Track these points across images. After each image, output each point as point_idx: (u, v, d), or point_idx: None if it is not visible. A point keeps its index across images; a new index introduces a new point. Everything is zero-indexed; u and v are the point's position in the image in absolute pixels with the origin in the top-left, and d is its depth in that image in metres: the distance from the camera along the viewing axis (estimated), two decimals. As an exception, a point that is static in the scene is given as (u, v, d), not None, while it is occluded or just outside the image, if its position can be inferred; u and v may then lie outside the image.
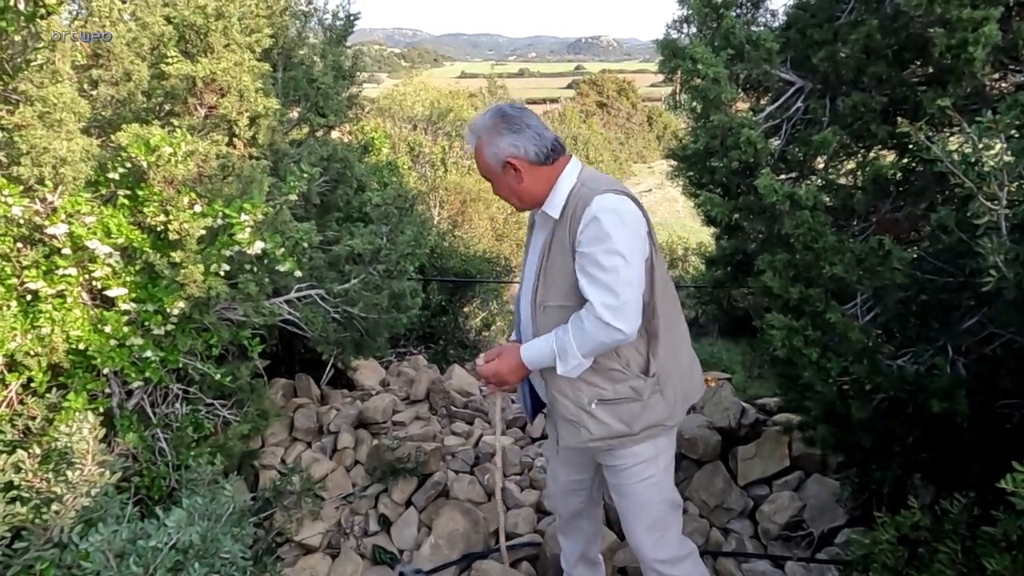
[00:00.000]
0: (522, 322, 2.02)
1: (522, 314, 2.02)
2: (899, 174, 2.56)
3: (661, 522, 2.04)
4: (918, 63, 2.50)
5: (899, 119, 1.86)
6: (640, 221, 1.80)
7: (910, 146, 2.56)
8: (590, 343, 1.74)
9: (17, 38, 2.61)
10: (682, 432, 3.39)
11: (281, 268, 2.59)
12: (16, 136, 2.35)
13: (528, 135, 1.82)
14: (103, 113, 2.86)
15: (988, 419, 2.08)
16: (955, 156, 1.75)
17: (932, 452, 2.24)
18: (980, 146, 1.61)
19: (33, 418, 2.38)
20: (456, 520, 2.91)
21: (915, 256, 2.28)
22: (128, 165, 2.52)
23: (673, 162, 3.26)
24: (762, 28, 2.90)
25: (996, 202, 1.64)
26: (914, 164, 2.62)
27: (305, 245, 2.75)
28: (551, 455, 2.17)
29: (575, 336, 1.75)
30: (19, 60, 2.63)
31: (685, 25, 2.93)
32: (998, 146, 1.63)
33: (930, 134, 2.15)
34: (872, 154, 2.73)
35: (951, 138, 2.43)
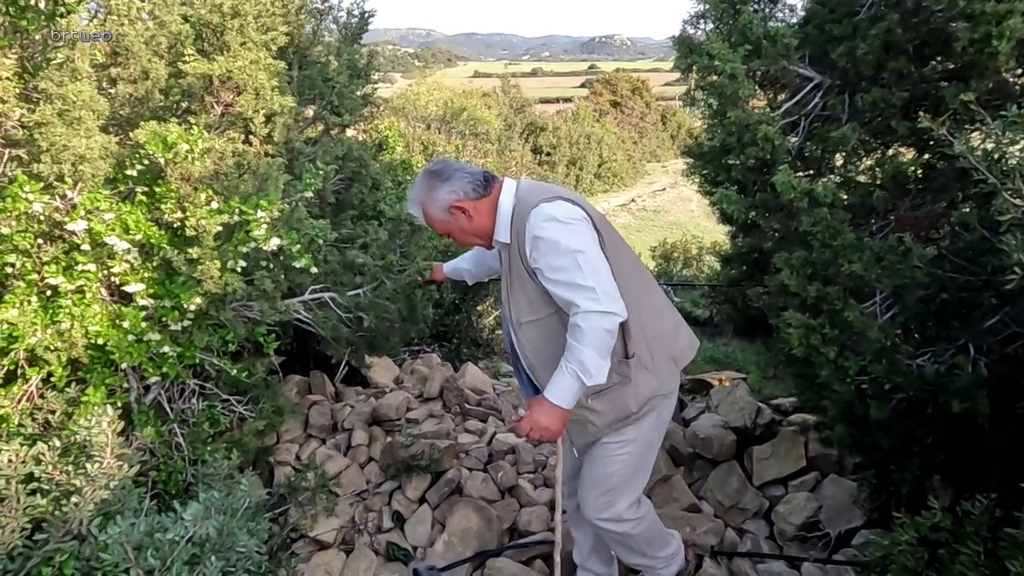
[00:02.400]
0: (508, 349, 2.15)
1: (505, 342, 2.16)
2: (919, 171, 2.52)
3: (614, 491, 2.12)
4: (939, 58, 2.47)
5: (920, 114, 1.83)
6: (577, 215, 1.86)
7: (931, 143, 2.53)
8: (596, 338, 1.76)
9: (37, 37, 2.65)
10: (697, 432, 3.37)
11: (297, 264, 2.60)
12: (36, 134, 2.38)
13: (458, 177, 1.96)
14: (121, 111, 2.89)
15: (1010, 420, 2.05)
16: (978, 152, 1.73)
17: (952, 453, 2.21)
18: (1005, 141, 1.58)
19: (53, 412, 2.41)
20: (470, 518, 2.91)
21: (935, 254, 2.25)
22: (146, 162, 2.54)
23: (689, 159, 3.23)
24: (780, 23, 2.87)
25: (1020, 199, 1.61)
26: (934, 161, 2.59)
27: (321, 242, 2.76)
28: (562, 444, 2.19)
29: (582, 342, 1.76)
30: (39, 59, 2.66)
31: (702, 21, 2.91)
32: (1023, 142, 1.61)
33: (952, 129, 2.12)
34: (891, 151, 2.70)
35: (973, 134, 2.39)
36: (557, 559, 2.26)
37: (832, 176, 2.78)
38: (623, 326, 1.88)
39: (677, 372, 2.11)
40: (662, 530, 2.35)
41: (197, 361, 2.62)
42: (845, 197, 2.49)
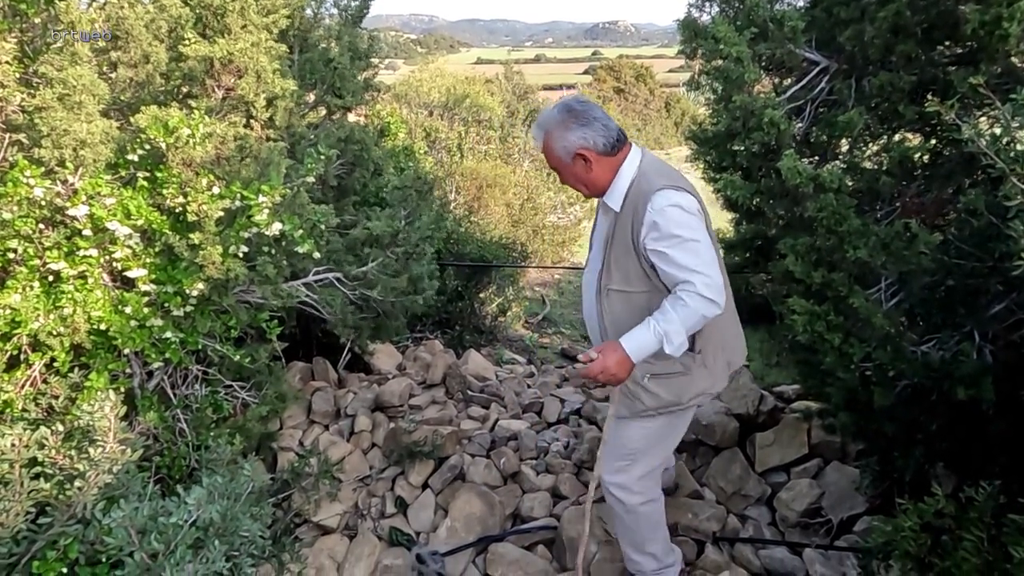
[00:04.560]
0: (585, 304, 2.21)
1: (585, 297, 2.21)
2: (926, 157, 2.50)
3: (632, 457, 2.21)
4: (948, 42, 2.43)
5: (929, 98, 1.81)
6: (695, 208, 1.92)
7: (938, 128, 2.50)
8: (694, 318, 1.84)
9: (37, 20, 2.63)
10: (699, 418, 3.37)
11: (299, 250, 2.59)
12: (37, 118, 2.36)
13: (596, 127, 1.95)
14: (122, 96, 2.87)
15: (1015, 407, 2.04)
16: (986, 136, 1.70)
17: (956, 440, 2.20)
18: (1015, 125, 1.56)
19: (56, 397, 2.41)
20: (472, 503, 2.92)
21: (942, 240, 2.23)
22: (147, 147, 2.52)
23: (693, 145, 3.20)
24: (786, 7, 2.83)
25: (1029, 183, 1.59)
26: (941, 147, 2.56)
27: (323, 227, 2.75)
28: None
29: (680, 314, 1.83)
30: (39, 43, 2.64)
31: (707, 4, 2.87)
32: (1032, 125, 1.58)
33: (960, 113, 2.09)
34: (898, 136, 2.66)
35: (981, 119, 2.36)
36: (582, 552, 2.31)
37: (838, 161, 2.75)
38: None
39: (727, 376, 2.19)
40: (666, 532, 2.39)
41: (200, 347, 2.62)
42: (851, 183, 2.47)
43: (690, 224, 1.88)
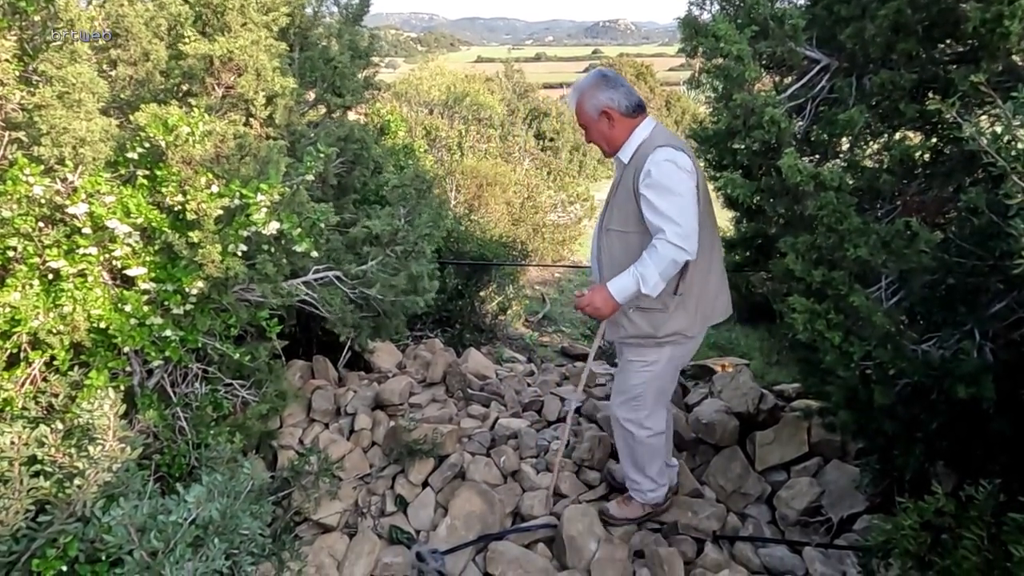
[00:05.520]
0: (592, 244, 2.63)
1: (593, 239, 2.62)
2: (927, 155, 2.49)
3: (638, 400, 2.61)
4: (949, 40, 2.42)
5: (930, 96, 1.80)
6: (688, 167, 2.29)
7: (939, 126, 2.50)
8: (664, 262, 2.21)
9: (37, 18, 2.62)
10: (700, 417, 3.37)
11: (298, 249, 2.59)
12: (37, 116, 2.36)
13: (622, 91, 2.39)
14: (121, 93, 2.86)
15: (1015, 405, 2.03)
16: (987, 135, 1.70)
17: (957, 439, 2.20)
18: (1016, 123, 1.56)
19: (56, 395, 2.41)
20: (472, 501, 2.92)
21: (942, 239, 2.22)
22: (146, 145, 2.52)
23: (694, 143, 3.20)
24: (787, 4, 2.82)
25: (1030, 181, 1.58)
26: (942, 145, 2.55)
27: (322, 226, 2.75)
28: (598, 339, 2.74)
29: (652, 260, 2.22)
30: (39, 40, 2.63)
31: (707, 2, 2.87)
32: (1033, 123, 1.58)
33: (961, 112, 2.09)
34: (899, 135, 2.66)
35: (982, 117, 2.35)
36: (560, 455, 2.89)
37: (838, 160, 2.75)
38: (683, 268, 2.31)
39: (705, 325, 2.56)
40: (662, 457, 2.78)
41: (200, 345, 2.62)
42: (851, 181, 2.46)
43: (679, 178, 2.24)
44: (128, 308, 2.42)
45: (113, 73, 2.89)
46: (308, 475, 2.85)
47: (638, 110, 2.41)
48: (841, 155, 2.77)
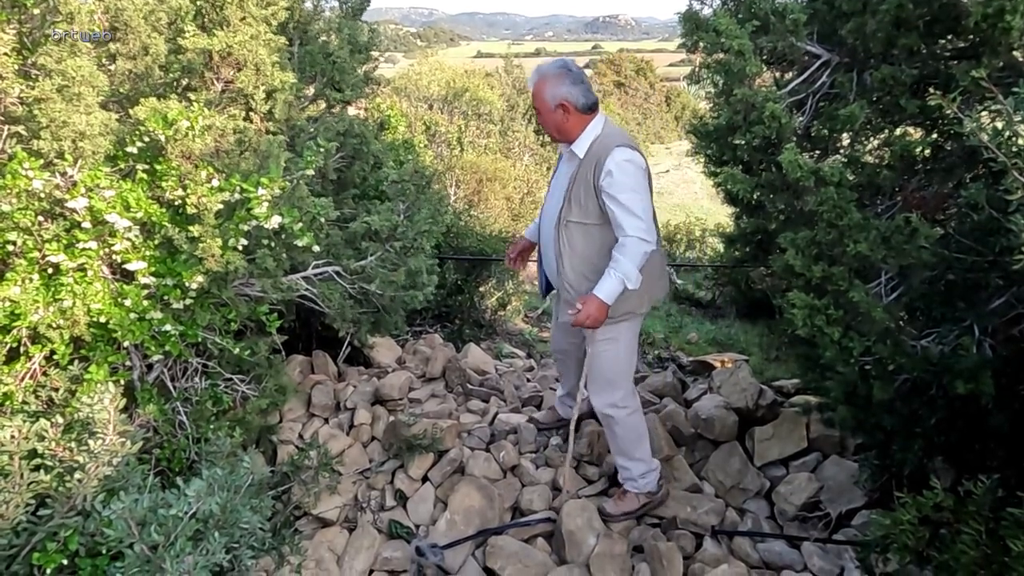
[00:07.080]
0: (543, 239, 2.76)
1: (543, 232, 2.75)
2: (927, 151, 2.49)
3: (612, 382, 2.75)
4: (950, 36, 2.42)
5: (931, 91, 1.80)
6: (643, 165, 2.52)
7: (940, 122, 2.49)
8: (637, 257, 2.41)
9: (36, 12, 2.61)
10: (699, 412, 3.38)
11: (299, 243, 2.59)
12: (36, 110, 2.35)
13: (581, 88, 2.49)
14: (121, 88, 2.86)
15: (1014, 401, 2.04)
16: (988, 130, 1.70)
17: (956, 434, 2.20)
18: (1018, 119, 1.56)
19: (56, 389, 2.41)
20: (472, 496, 2.92)
21: (942, 234, 2.22)
22: (146, 139, 2.52)
23: (694, 139, 3.20)
24: None
25: (1031, 177, 1.58)
26: (943, 141, 2.55)
27: (322, 220, 2.74)
28: (554, 323, 3.08)
29: (627, 257, 2.40)
30: (38, 34, 2.63)
31: (708, -3, 2.86)
32: (1034, 119, 1.58)
33: (962, 107, 2.08)
34: (899, 130, 2.65)
35: (983, 113, 2.35)
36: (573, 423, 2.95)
37: (839, 155, 2.74)
38: None
39: (649, 304, 2.75)
40: (647, 438, 2.88)
41: (199, 340, 2.62)
42: (852, 177, 2.46)
43: (638, 177, 2.45)
44: (128, 302, 2.41)
45: (112, 67, 2.88)
46: (308, 470, 2.86)
47: (593, 108, 2.52)
48: (841, 151, 2.76)
